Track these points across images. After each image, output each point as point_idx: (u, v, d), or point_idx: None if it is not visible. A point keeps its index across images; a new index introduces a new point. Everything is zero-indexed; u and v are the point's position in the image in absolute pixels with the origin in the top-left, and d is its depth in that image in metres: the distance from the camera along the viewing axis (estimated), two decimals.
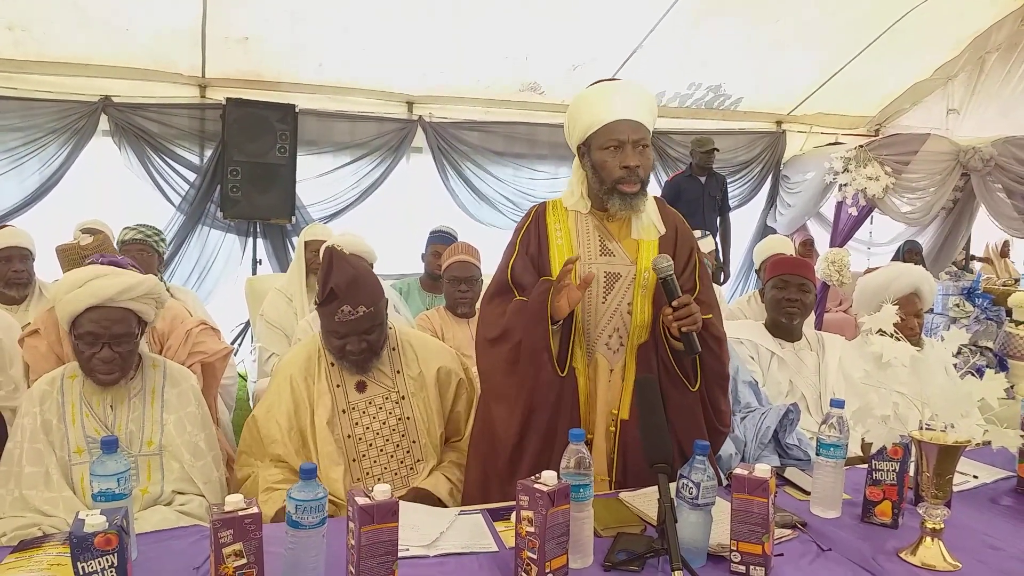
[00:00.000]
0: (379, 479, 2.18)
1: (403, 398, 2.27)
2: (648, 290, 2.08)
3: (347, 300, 2.12)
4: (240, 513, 1.35)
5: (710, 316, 2.04)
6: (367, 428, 2.22)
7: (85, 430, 2.01)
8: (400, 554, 1.46)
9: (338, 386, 2.23)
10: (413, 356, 2.33)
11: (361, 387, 2.24)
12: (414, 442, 2.25)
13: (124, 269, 2.06)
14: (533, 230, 2.13)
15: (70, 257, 3.21)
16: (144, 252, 3.65)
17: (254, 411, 2.27)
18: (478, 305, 3.46)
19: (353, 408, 2.22)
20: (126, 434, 2.02)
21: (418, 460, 2.25)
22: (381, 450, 2.22)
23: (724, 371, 2.11)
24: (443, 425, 2.32)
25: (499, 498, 1.97)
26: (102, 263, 2.07)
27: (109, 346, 1.98)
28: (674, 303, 1.90)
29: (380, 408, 2.24)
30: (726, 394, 2.14)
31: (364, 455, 2.20)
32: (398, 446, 2.24)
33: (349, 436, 2.19)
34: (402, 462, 2.23)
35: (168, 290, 3.66)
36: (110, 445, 1.50)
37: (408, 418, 2.26)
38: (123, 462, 1.50)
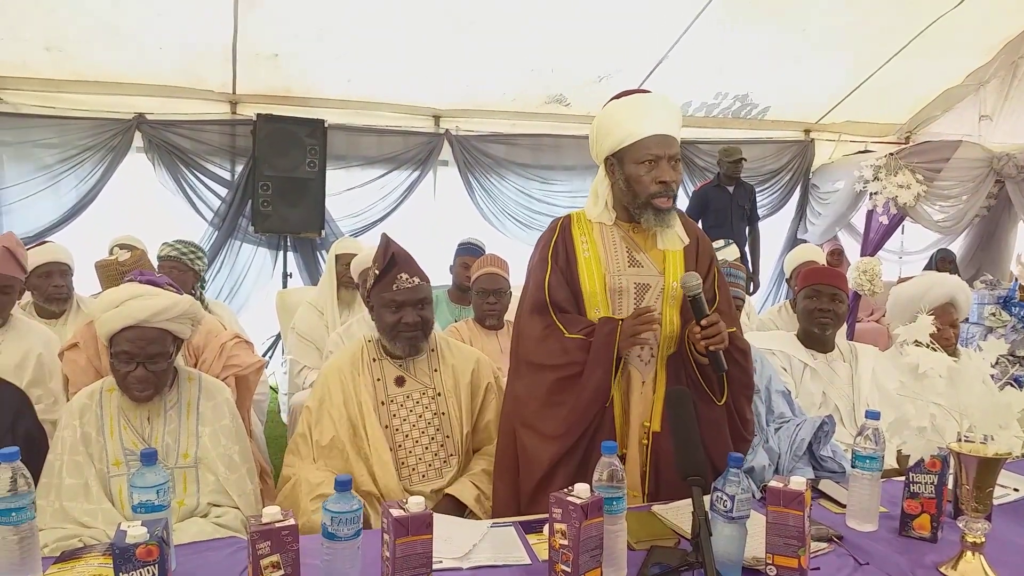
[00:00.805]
0: (414, 469, 2.25)
1: (439, 395, 2.34)
2: (676, 301, 2.09)
3: (405, 268, 2.27)
4: (277, 525, 1.36)
5: (734, 329, 2.04)
6: (404, 420, 2.28)
7: (123, 443, 2.04)
8: (434, 566, 1.47)
9: (378, 380, 2.31)
10: (450, 356, 2.42)
11: (400, 382, 2.32)
12: (448, 437, 2.32)
13: (161, 289, 2.09)
14: (560, 244, 2.12)
15: (109, 273, 3.27)
16: (177, 269, 3.72)
17: (307, 403, 2.32)
18: (507, 317, 3.48)
19: (392, 401, 2.30)
20: (163, 447, 2.05)
21: (451, 455, 2.32)
22: (417, 442, 2.28)
23: (750, 381, 2.12)
24: (471, 424, 2.37)
25: (538, 507, 1.97)
26: (141, 281, 2.10)
27: (143, 365, 2.01)
28: (703, 322, 1.90)
29: (417, 403, 2.31)
30: (751, 403, 2.14)
31: (401, 445, 2.26)
32: (432, 439, 2.30)
33: (387, 427, 2.26)
34: (436, 455, 2.29)
35: (205, 305, 3.73)
36: (150, 457, 1.53)
37: (443, 414, 2.33)
38: (162, 474, 1.53)
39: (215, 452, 2.10)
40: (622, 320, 1.99)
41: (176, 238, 3.84)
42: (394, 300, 2.25)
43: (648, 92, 2.12)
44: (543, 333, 2.06)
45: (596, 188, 2.14)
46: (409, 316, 2.25)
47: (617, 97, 2.11)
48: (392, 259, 2.27)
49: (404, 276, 2.26)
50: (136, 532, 1.31)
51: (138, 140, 5.21)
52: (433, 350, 2.40)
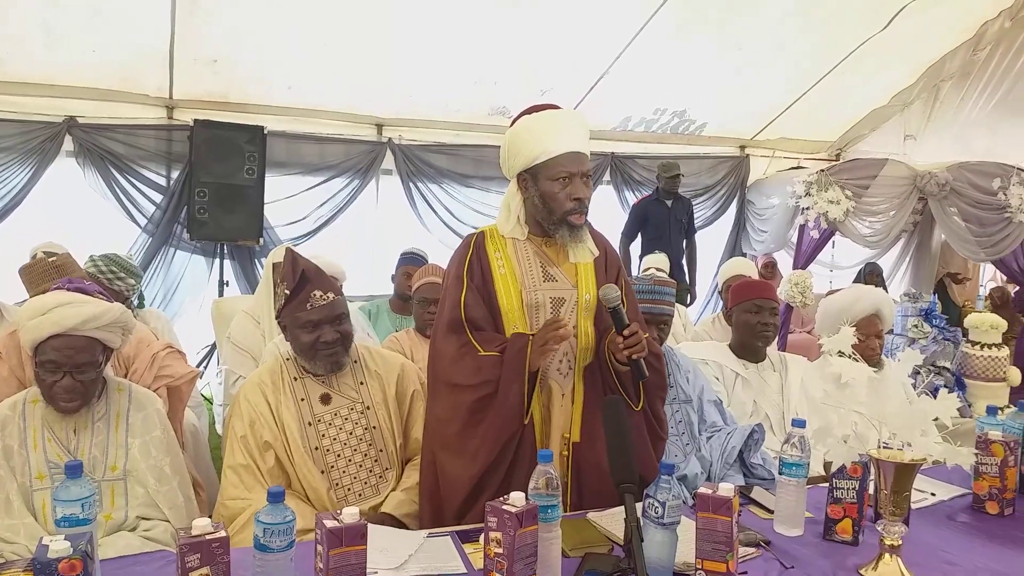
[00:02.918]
0: (350, 488, 2.19)
1: (368, 408, 2.27)
2: (590, 312, 2.12)
3: (318, 285, 2.17)
4: (207, 537, 1.34)
5: (647, 334, 2.07)
6: (334, 440, 2.21)
7: (47, 455, 1.98)
8: None
9: (302, 400, 2.23)
10: (374, 366, 2.35)
11: (326, 399, 2.24)
12: (381, 451, 2.26)
13: (90, 296, 2.03)
14: (475, 261, 2.12)
15: (36, 272, 3.09)
16: (112, 284, 3.60)
17: (234, 430, 2.19)
18: None
19: (319, 420, 2.21)
20: (89, 459, 1.99)
21: (386, 468, 2.26)
22: (350, 460, 2.21)
23: (664, 383, 2.20)
24: (403, 435, 2.32)
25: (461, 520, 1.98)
26: (69, 289, 2.04)
27: (71, 375, 1.95)
28: (624, 332, 1.93)
29: (346, 419, 2.24)
30: (663, 403, 2.22)
31: (333, 466, 2.19)
32: (366, 455, 2.24)
33: (316, 448, 2.18)
34: (371, 471, 2.24)
35: (137, 316, 3.62)
36: (74, 470, 1.49)
37: (374, 427, 2.26)
38: (88, 487, 1.48)
39: (145, 464, 2.05)
40: (532, 334, 2.00)
41: (103, 252, 3.63)
42: (310, 320, 2.16)
43: (558, 108, 2.14)
44: (459, 352, 2.05)
45: (508, 203, 2.15)
46: (327, 334, 2.17)
47: (528, 112, 2.12)
48: (303, 276, 2.16)
49: (318, 293, 2.16)
50: (58, 546, 1.27)
51: (68, 144, 5.04)
52: (356, 362, 2.33)
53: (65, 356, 1.93)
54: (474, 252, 2.13)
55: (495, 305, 2.09)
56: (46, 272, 3.01)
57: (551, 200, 2.04)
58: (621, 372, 2.04)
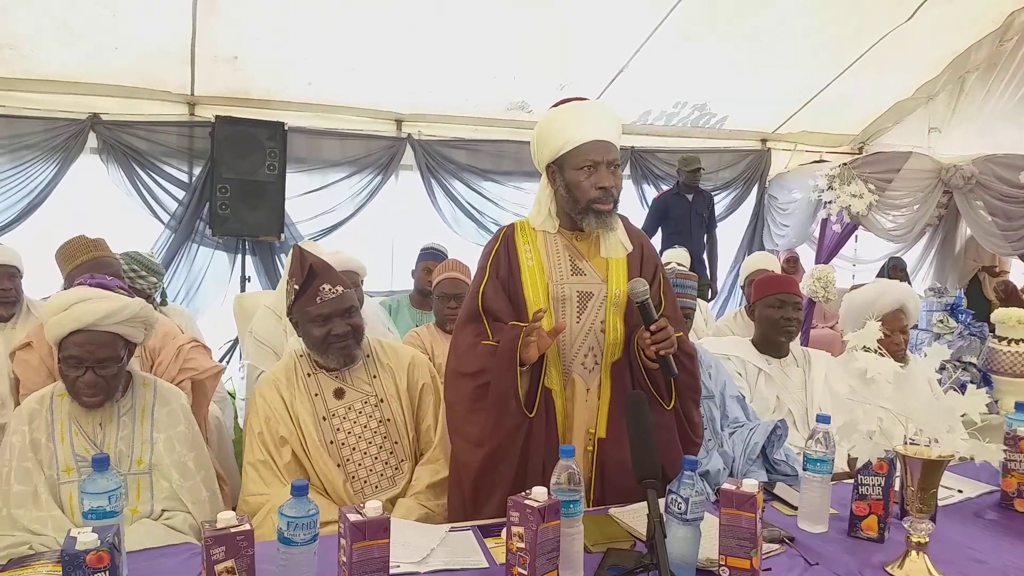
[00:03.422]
0: (366, 481, 2.21)
1: (382, 401, 2.30)
2: (620, 308, 2.10)
3: (327, 279, 2.21)
4: (232, 530, 1.35)
5: (681, 333, 2.07)
6: (349, 433, 2.24)
7: (74, 449, 2.00)
8: (391, 570, 1.47)
9: (316, 395, 2.25)
10: (386, 359, 2.38)
11: (339, 394, 2.27)
12: (396, 443, 2.28)
13: (111, 291, 2.05)
14: (503, 253, 2.13)
15: (71, 247, 3.03)
16: (139, 279, 3.66)
17: (252, 427, 2.23)
18: None
19: (333, 415, 2.24)
20: (115, 453, 2.02)
21: (402, 460, 2.28)
22: (365, 453, 2.24)
23: (697, 384, 2.15)
24: (416, 427, 2.34)
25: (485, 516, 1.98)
26: (90, 284, 2.06)
27: (93, 370, 1.97)
28: (652, 327, 1.92)
29: (360, 412, 2.27)
30: (698, 405, 2.17)
31: (348, 459, 2.21)
32: (381, 447, 2.26)
33: (332, 442, 2.21)
34: (387, 463, 2.26)
35: (163, 311, 3.67)
36: (101, 463, 1.50)
37: (388, 420, 2.29)
38: (114, 480, 1.50)
39: (169, 459, 2.07)
40: (525, 325, 1.99)
41: (125, 250, 3.68)
42: (320, 314, 2.19)
43: (586, 99, 2.14)
44: (472, 342, 2.06)
45: (539, 196, 2.15)
46: (338, 327, 2.20)
47: (557, 105, 2.12)
48: (311, 271, 2.20)
49: (327, 287, 2.20)
50: (86, 539, 1.29)
51: (92, 141, 5.09)
52: (368, 356, 2.35)
53: (87, 352, 1.96)
54: (502, 244, 2.14)
55: (520, 297, 2.08)
56: (82, 247, 3.03)
57: (576, 189, 2.03)
58: (651, 369, 2.03)
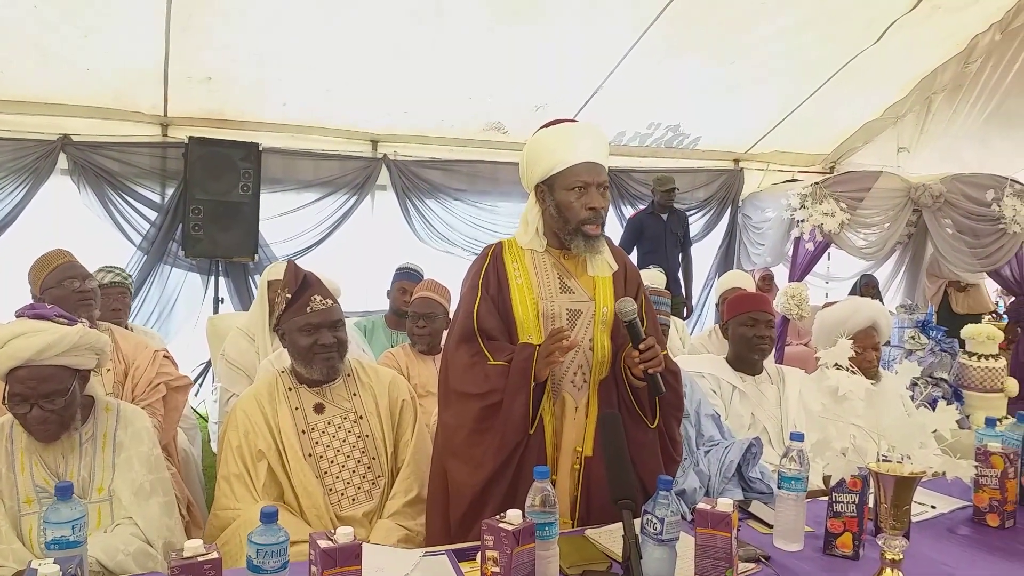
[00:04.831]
0: (343, 493, 2.22)
1: (361, 418, 2.32)
2: (607, 326, 2.12)
3: (318, 290, 2.27)
4: (200, 559, 1.32)
5: (666, 351, 2.08)
6: (327, 447, 2.25)
7: (34, 480, 1.94)
8: None
9: (297, 408, 2.27)
10: (367, 379, 2.41)
11: (319, 409, 2.29)
12: (374, 459, 2.29)
13: (49, 322, 1.95)
14: (492, 271, 2.14)
15: (41, 260, 2.99)
16: (125, 295, 3.67)
17: (229, 441, 2.21)
18: (442, 344, 3.47)
19: (313, 428, 2.26)
20: (78, 481, 1.96)
21: (378, 476, 2.29)
22: (343, 466, 2.25)
23: (680, 403, 2.17)
24: (395, 444, 2.35)
25: (467, 535, 1.96)
26: (29, 316, 1.97)
27: (39, 406, 1.89)
28: (640, 346, 1.92)
29: (339, 427, 2.28)
30: (680, 424, 2.19)
31: (327, 472, 2.22)
32: (359, 462, 2.27)
33: (310, 455, 2.22)
34: (364, 477, 2.26)
35: (131, 329, 3.65)
36: (65, 491, 1.47)
37: (367, 436, 2.30)
38: (78, 508, 1.47)
39: (126, 478, 2.00)
40: (539, 344, 2.00)
41: (104, 264, 3.71)
42: (309, 323, 2.23)
43: (576, 121, 2.18)
44: (470, 361, 2.06)
45: (526, 215, 2.17)
46: (325, 338, 2.23)
47: (547, 126, 2.15)
48: (304, 281, 2.26)
49: (317, 298, 2.25)
50: (47, 570, 1.26)
51: (63, 162, 5.03)
52: (349, 375, 2.39)
53: (29, 388, 1.88)
54: (491, 262, 2.15)
55: (510, 315, 2.09)
56: (56, 254, 3.01)
57: (567, 210, 2.05)
58: (637, 387, 2.03)
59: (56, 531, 1.43)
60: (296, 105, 5.41)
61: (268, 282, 3.82)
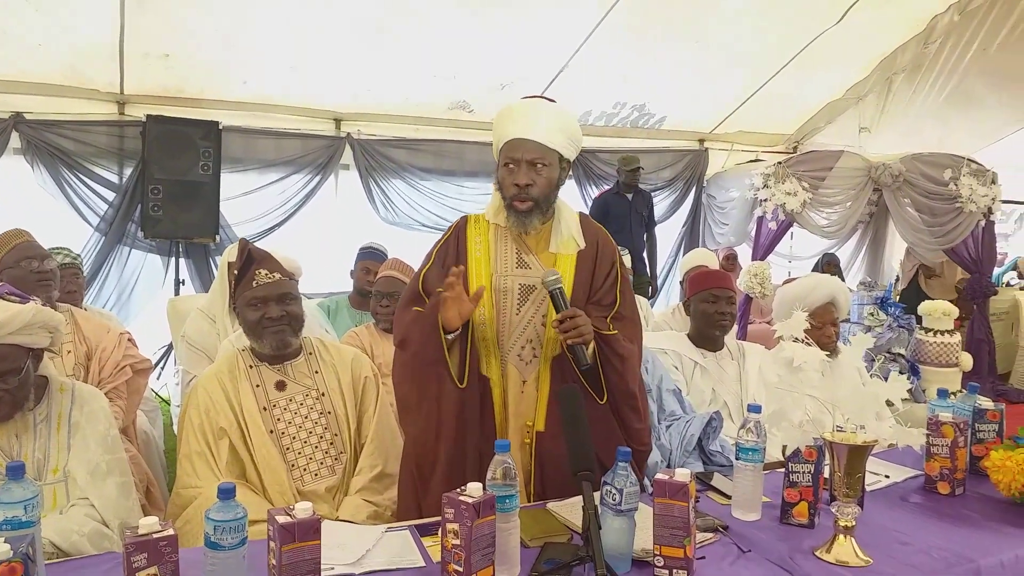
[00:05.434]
0: (306, 469, 2.22)
1: (323, 395, 2.32)
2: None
3: (264, 264, 2.26)
4: (155, 535, 1.31)
5: (615, 333, 2.06)
6: (289, 423, 2.24)
7: None
8: (325, 572, 1.45)
9: (258, 386, 2.26)
10: (328, 356, 2.41)
11: (281, 386, 2.29)
12: (336, 435, 2.30)
13: (2, 300, 1.91)
14: (452, 242, 2.17)
15: (2, 239, 2.97)
16: (77, 276, 3.61)
17: (190, 418, 2.20)
18: None
19: (275, 405, 2.25)
20: (33, 463, 1.93)
21: (341, 452, 2.29)
22: (305, 442, 2.25)
23: (628, 389, 2.10)
24: (359, 419, 2.36)
25: (430, 507, 1.97)
26: None
27: None
28: (558, 316, 1.94)
29: (301, 404, 2.28)
30: (637, 413, 2.13)
31: (289, 448, 2.22)
32: (321, 438, 2.27)
33: (271, 431, 2.21)
34: (327, 452, 2.27)
35: (87, 310, 3.59)
36: (16, 471, 1.44)
37: (329, 413, 2.31)
38: (31, 488, 1.44)
39: (82, 458, 1.98)
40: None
41: (54, 245, 3.62)
42: (255, 296, 2.23)
43: (535, 97, 2.17)
44: (411, 319, 2.09)
45: (495, 189, 2.19)
46: (272, 311, 2.23)
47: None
48: (249, 256, 2.27)
49: (263, 272, 2.25)
50: None
51: (15, 141, 4.90)
52: (311, 353, 2.39)
53: None
54: (453, 234, 2.19)
55: (465, 287, 2.07)
56: (13, 233, 2.96)
57: (501, 185, 2.10)
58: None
59: (8, 511, 1.40)
60: (257, 83, 5.31)
61: (228, 262, 3.78)
